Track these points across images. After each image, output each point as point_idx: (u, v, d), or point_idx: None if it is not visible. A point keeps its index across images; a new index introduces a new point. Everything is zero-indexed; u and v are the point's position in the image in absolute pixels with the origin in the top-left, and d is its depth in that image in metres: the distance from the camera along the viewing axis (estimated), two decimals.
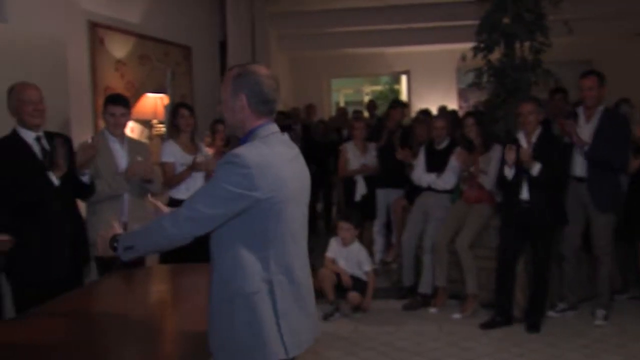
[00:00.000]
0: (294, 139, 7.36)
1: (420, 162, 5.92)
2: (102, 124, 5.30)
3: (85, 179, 3.87)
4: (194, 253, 3.06)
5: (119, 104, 4.30)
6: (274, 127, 2.29)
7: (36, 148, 3.70)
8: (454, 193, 5.72)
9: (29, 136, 3.69)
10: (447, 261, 5.44)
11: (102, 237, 2.37)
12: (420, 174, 5.87)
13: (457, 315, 5.25)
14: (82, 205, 4.28)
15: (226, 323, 2.20)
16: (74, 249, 3.74)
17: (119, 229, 2.38)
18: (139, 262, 4.23)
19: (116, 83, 5.71)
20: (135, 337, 2.68)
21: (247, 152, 2.15)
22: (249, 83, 2.24)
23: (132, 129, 5.82)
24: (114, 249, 2.30)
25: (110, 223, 2.45)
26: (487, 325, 4.98)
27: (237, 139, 2.37)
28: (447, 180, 5.71)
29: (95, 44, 5.46)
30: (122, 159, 4.29)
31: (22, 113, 3.65)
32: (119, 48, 5.82)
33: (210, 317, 2.26)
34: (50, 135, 3.79)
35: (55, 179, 3.59)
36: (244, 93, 2.24)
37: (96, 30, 5.47)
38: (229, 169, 2.13)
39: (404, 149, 6.31)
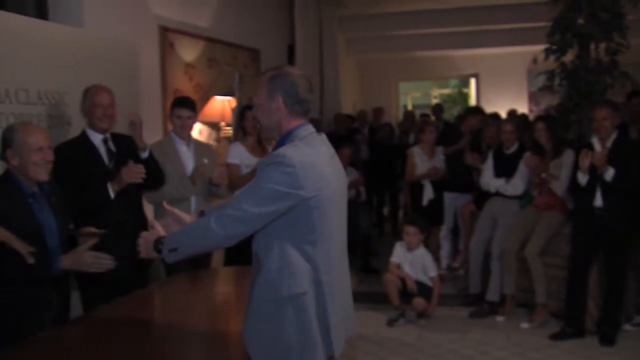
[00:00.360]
0: (360, 142, 7.36)
1: (488, 167, 5.78)
2: (170, 126, 5.42)
3: (144, 154, 3.91)
4: None
5: (186, 106, 4.36)
6: (311, 128, 2.32)
7: (102, 150, 3.78)
8: (524, 199, 5.56)
9: (96, 138, 3.77)
10: (515, 269, 5.30)
11: (145, 239, 2.37)
12: (489, 179, 5.73)
13: (525, 325, 5.10)
14: (149, 208, 4.37)
15: (272, 325, 2.19)
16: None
17: (162, 231, 2.38)
18: (204, 264, 4.29)
19: (185, 86, 5.81)
20: (198, 340, 2.70)
21: (290, 151, 2.16)
22: (285, 84, 2.27)
23: (200, 131, 5.91)
24: (158, 251, 2.31)
25: (152, 225, 2.47)
26: (557, 337, 4.82)
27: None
28: (516, 185, 5.56)
29: (166, 48, 5.58)
30: (188, 161, 4.35)
31: (92, 116, 3.73)
32: (188, 52, 5.92)
33: (250, 319, 2.25)
34: (117, 137, 3.86)
35: (112, 192, 3.62)
36: (279, 94, 2.26)
37: (167, 35, 5.58)
38: (273, 168, 2.14)
39: (473, 154, 6.19)
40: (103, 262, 2.84)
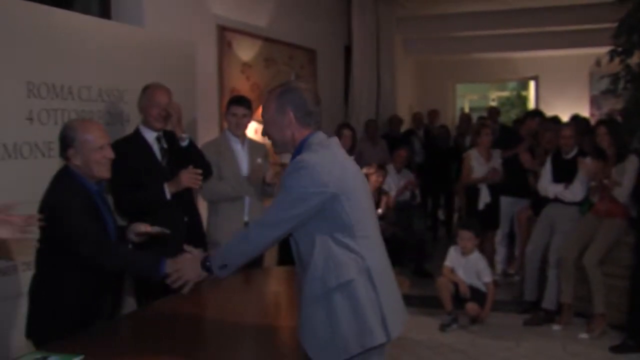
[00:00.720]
0: (415, 144, 7.28)
1: (546, 171, 5.63)
2: (226, 125, 5.47)
3: (184, 143, 3.86)
4: None
5: (242, 104, 4.38)
6: (323, 134, 2.42)
7: (156, 147, 3.79)
8: (583, 205, 5.41)
9: (150, 136, 3.77)
10: (573, 277, 5.15)
11: (191, 263, 2.56)
12: (547, 185, 5.59)
13: (583, 335, 4.95)
14: (203, 205, 4.41)
15: (326, 318, 2.26)
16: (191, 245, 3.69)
17: (196, 255, 2.59)
18: (257, 263, 4.30)
19: (242, 85, 5.85)
20: (248, 338, 2.73)
21: (307, 155, 2.30)
22: (294, 98, 2.38)
23: (255, 130, 5.94)
24: (208, 270, 2.48)
25: (192, 255, 2.61)
26: (618, 349, 4.65)
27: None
28: (575, 191, 5.40)
29: (223, 47, 5.63)
30: (243, 159, 4.35)
31: (148, 114, 3.74)
32: (245, 51, 5.97)
33: (304, 317, 2.32)
34: (169, 133, 3.86)
35: (168, 193, 3.64)
36: (290, 108, 2.37)
37: (224, 34, 5.63)
38: (296, 174, 2.26)
39: (532, 157, 6.05)
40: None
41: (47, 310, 2.79)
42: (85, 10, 4.46)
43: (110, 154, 2.95)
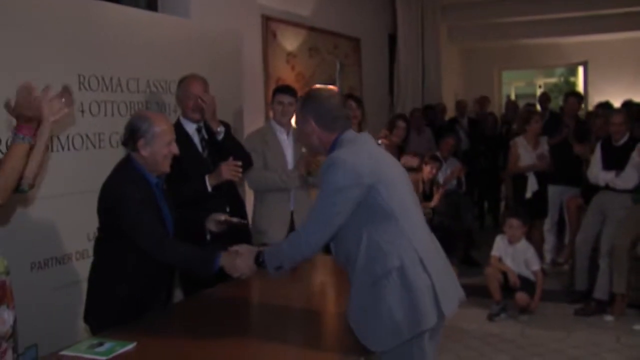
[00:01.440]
0: (460, 132, 7.18)
1: (597, 159, 5.50)
2: (272, 114, 5.49)
3: (220, 136, 3.80)
4: None
5: (287, 92, 4.37)
6: (352, 132, 2.48)
7: (196, 139, 3.77)
8: (636, 193, 5.27)
9: (190, 127, 3.77)
10: (627, 266, 5.03)
11: (244, 258, 2.65)
12: (597, 172, 5.46)
13: (638, 326, 4.84)
14: (250, 196, 4.43)
15: (377, 305, 2.27)
16: (233, 235, 3.42)
17: (250, 249, 2.67)
18: None
19: (287, 74, 5.86)
20: (295, 325, 2.76)
21: (337, 153, 2.37)
22: (314, 106, 2.45)
23: None
24: (261, 265, 2.58)
25: (244, 249, 2.69)
26: None
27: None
28: (627, 178, 5.26)
29: (268, 37, 5.64)
30: (288, 149, 4.34)
31: (185, 106, 3.75)
32: (290, 41, 5.97)
33: (355, 306, 2.35)
34: (208, 125, 3.80)
35: (209, 185, 3.62)
36: (310, 117, 2.45)
37: (269, 24, 5.65)
38: (331, 171, 2.32)
39: (583, 144, 5.92)
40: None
41: (104, 297, 2.84)
42: (133, 3, 4.52)
43: (175, 149, 2.90)
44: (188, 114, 3.76)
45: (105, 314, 2.81)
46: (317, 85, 2.63)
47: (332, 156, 2.36)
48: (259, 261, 2.57)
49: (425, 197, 6.14)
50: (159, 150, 2.84)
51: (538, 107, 9.85)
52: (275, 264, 2.49)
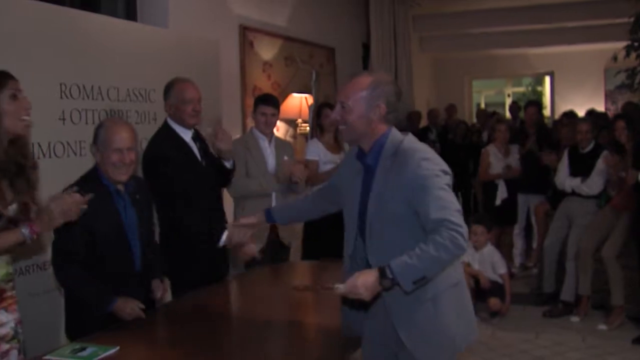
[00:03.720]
0: (431, 139, 7.26)
1: (563, 166, 5.69)
2: (250, 122, 5.58)
3: (228, 164, 3.78)
4: (333, 249, 3.17)
5: (271, 104, 4.43)
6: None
7: (194, 147, 3.65)
8: (601, 198, 5.47)
9: (186, 135, 3.61)
10: (591, 269, 5.22)
11: (364, 282, 2.15)
12: (564, 179, 5.65)
13: (602, 327, 5.01)
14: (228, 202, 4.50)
15: (442, 320, 2.25)
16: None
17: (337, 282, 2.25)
18: (284, 258, 4.43)
19: (263, 83, 5.96)
20: (276, 329, 2.81)
21: (413, 145, 2.28)
22: (389, 92, 2.29)
23: (277, 128, 6.03)
24: (390, 286, 2.16)
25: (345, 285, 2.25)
26: (638, 341, 4.71)
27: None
28: (592, 185, 5.46)
29: (246, 47, 5.74)
30: (270, 157, 4.43)
31: (182, 112, 3.54)
32: (266, 50, 6.08)
33: (415, 325, 2.26)
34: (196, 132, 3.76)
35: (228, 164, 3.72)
36: (383, 103, 2.27)
37: (247, 34, 5.75)
38: (428, 160, 2.20)
39: (550, 153, 6.11)
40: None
41: (79, 305, 2.88)
42: (112, 13, 4.59)
43: (127, 159, 2.86)
44: (185, 120, 3.56)
45: (82, 321, 2.85)
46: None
47: (416, 154, 2.21)
48: (383, 279, 2.13)
49: None
50: (107, 157, 2.83)
51: (508, 116, 10.09)
52: (416, 275, 2.11)
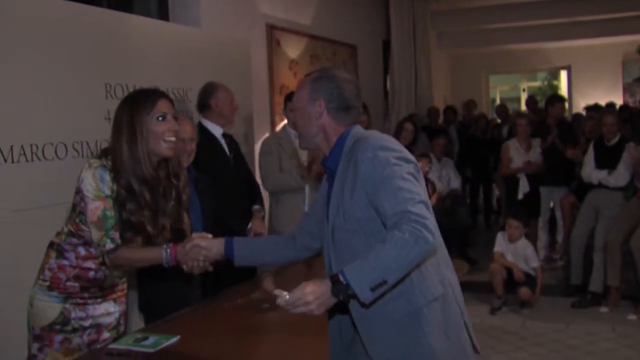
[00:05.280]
0: (452, 134, 7.26)
1: (589, 158, 5.75)
2: (277, 119, 5.68)
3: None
4: None
5: None
6: (362, 129, 2.09)
7: (224, 143, 3.95)
8: (627, 190, 5.52)
9: (217, 131, 3.92)
10: (620, 260, 5.27)
11: (314, 293, 1.79)
12: (590, 171, 5.71)
13: (632, 317, 5.07)
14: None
15: (420, 339, 1.92)
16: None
17: (319, 284, 1.81)
18: None
19: (290, 81, 6.04)
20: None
21: (370, 138, 1.98)
22: (329, 88, 2.06)
23: None
24: (345, 296, 1.79)
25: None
26: None
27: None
28: (619, 176, 5.52)
29: (273, 45, 5.83)
30: (303, 153, 4.54)
31: (227, 111, 3.95)
32: (292, 48, 6.17)
33: (382, 342, 1.95)
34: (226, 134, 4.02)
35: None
36: (322, 98, 2.06)
37: (273, 33, 5.83)
38: (382, 150, 1.91)
39: (573, 148, 6.16)
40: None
41: (150, 289, 3.06)
42: (145, 13, 4.67)
43: (188, 147, 3.12)
44: (229, 117, 3.98)
45: (155, 305, 3.00)
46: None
47: (370, 143, 1.93)
48: (335, 287, 1.77)
49: None
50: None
51: (524, 109, 10.14)
52: (374, 281, 1.75)
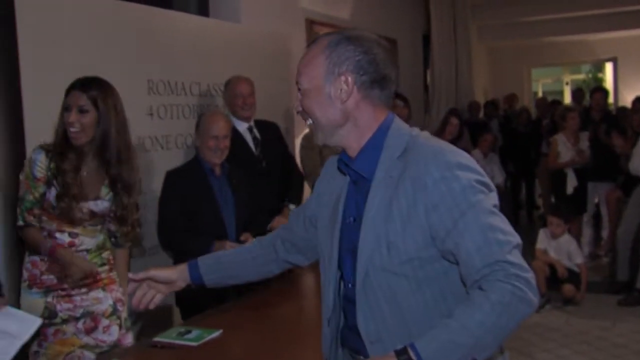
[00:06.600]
0: (493, 128, 7.18)
1: (638, 152, 5.61)
2: None
3: None
4: None
5: None
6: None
7: (248, 137, 3.93)
8: None
9: (241, 126, 3.90)
10: None
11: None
12: (638, 165, 5.57)
13: None
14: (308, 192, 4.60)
15: None
16: None
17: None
18: None
19: None
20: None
21: (465, 155, 1.48)
22: (354, 54, 1.47)
23: None
24: None
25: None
26: None
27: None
28: None
29: (312, 40, 5.80)
30: None
31: (234, 105, 3.88)
32: None
33: None
34: (261, 124, 4.02)
35: None
36: (347, 70, 1.47)
37: (313, 27, 5.82)
38: (470, 180, 1.41)
39: (618, 136, 6.03)
40: None
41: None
42: (184, 9, 4.70)
43: (222, 144, 3.31)
44: (238, 113, 3.88)
45: (191, 300, 3.03)
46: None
47: (445, 157, 1.41)
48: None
49: None
50: (205, 143, 3.32)
51: (568, 102, 9.95)
52: (467, 355, 1.30)
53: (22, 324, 1.99)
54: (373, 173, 1.49)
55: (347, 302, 1.57)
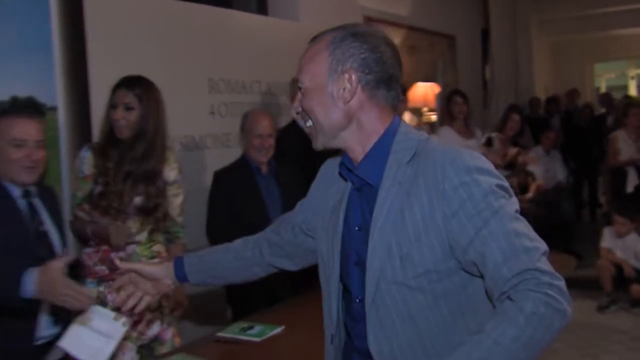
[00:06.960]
0: (555, 124, 7.03)
1: None
2: None
3: None
4: None
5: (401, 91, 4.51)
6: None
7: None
8: None
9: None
10: None
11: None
12: None
13: None
14: None
15: None
16: None
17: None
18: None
19: None
20: None
21: (483, 159, 1.37)
22: (359, 51, 1.39)
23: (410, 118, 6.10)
24: None
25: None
26: None
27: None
28: None
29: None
30: None
31: (249, 144, 3.36)
32: None
33: None
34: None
35: None
36: (351, 68, 1.39)
37: (371, 24, 5.80)
38: (493, 185, 1.31)
39: None
40: None
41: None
42: (244, 9, 4.75)
43: (267, 143, 3.29)
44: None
45: (242, 298, 3.09)
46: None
47: (463, 160, 1.32)
48: None
49: (521, 189, 6.10)
50: (250, 142, 3.31)
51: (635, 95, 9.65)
52: None
53: (111, 324, 1.97)
54: (379, 179, 1.40)
55: (352, 321, 1.48)
